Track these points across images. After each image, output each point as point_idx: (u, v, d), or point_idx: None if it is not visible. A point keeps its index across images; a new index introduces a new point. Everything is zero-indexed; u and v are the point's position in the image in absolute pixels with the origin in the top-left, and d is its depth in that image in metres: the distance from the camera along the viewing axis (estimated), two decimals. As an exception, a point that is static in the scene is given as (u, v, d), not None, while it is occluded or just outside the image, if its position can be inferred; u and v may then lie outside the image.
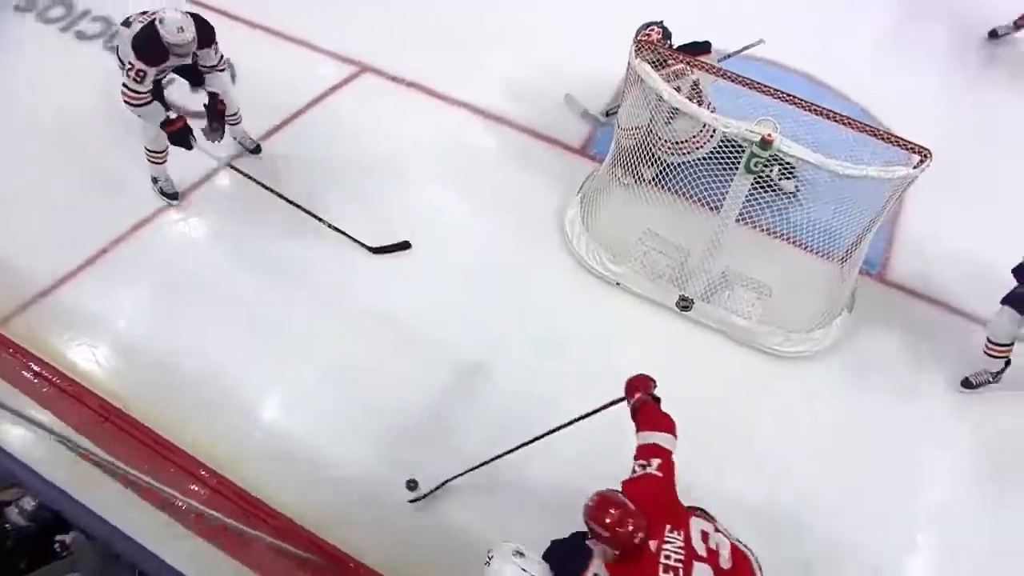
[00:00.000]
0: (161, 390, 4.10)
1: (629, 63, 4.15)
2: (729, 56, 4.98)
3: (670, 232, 4.64)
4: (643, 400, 3.01)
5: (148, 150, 4.70)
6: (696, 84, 4.54)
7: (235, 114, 4.86)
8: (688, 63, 4.30)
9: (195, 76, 4.66)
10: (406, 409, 4.06)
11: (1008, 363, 4.16)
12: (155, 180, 4.85)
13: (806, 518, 3.80)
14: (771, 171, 4.19)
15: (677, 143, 4.53)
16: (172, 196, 4.89)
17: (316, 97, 5.46)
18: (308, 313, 4.42)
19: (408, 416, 4.04)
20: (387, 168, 5.07)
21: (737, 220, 4.12)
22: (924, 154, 3.72)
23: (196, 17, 4.25)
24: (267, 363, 4.25)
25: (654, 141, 4.41)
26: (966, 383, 4.27)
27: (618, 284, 4.59)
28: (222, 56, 4.54)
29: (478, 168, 5.16)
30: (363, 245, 4.64)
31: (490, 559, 2.65)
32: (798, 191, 4.55)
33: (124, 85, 4.24)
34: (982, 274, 4.65)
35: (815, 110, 3.82)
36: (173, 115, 4.47)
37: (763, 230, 4.50)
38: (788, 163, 4.11)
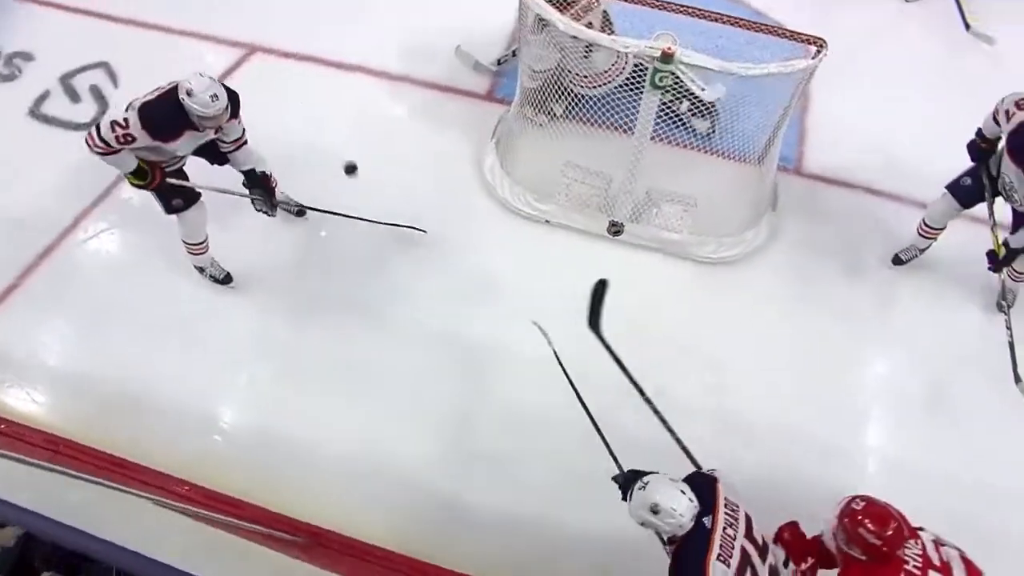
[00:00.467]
0: (106, 413, 3.96)
1: (521, 3, 4.10)
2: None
3: (589, 161, 4.67)
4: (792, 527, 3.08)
5: (187, 243, 4.17)
6: (606, 14, 4.55)
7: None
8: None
9: (214, 153, 3.98)
10: (361, 372, 4.07)
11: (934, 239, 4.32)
12: (201, 270, 4.33)
13: (759, 413, 3.94)
14: (680, 106, 4.24)
15: (596, 75, 4.53)
16: (225, 280, 4.35)
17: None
18: (237, 304, 4.34)
19: (365, 381, 4.04)
20: (298, 146, 4.87)
21: (652, 139, 4.16)
22: (820, 44, 3.79)
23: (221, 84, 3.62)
24: (210, 365, 4.15)
25: (567, 77, 4.40)
26: (896, 260, 4.45)
27: (547, 222, 4.61)
28: (244, 127, 3.92)
29: (390, 132, 5.07)
30: (378, 222, 4.38)
31: (645, 485, 2.69)
32: (712, 132, 4.60)
33: (98, 133, 3.54)
34: (891, 154, 4.86)
35: (710, 16, 3.86)
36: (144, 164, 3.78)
37: (679, 144, 4.54)
38: (701, 101, 4.15)
